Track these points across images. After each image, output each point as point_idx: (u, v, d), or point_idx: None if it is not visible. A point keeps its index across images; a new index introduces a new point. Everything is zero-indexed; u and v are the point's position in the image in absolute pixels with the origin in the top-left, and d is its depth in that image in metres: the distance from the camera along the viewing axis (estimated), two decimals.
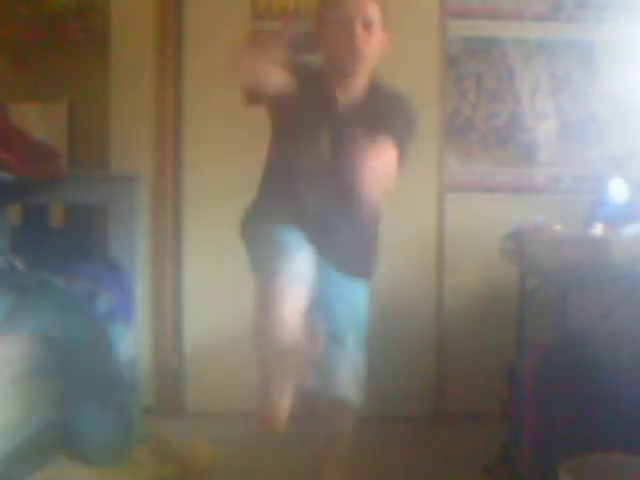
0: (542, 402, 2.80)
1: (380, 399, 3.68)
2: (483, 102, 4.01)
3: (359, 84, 2.55)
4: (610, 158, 3.90)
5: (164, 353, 4.02)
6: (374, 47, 2.48)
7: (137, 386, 3.61)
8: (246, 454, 3.36)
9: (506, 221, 3.34)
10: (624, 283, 2.98)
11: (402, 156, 2.43)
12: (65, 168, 3.77)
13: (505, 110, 4.01)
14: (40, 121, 3.99)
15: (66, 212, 4.02)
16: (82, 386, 3.14)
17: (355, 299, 2.62)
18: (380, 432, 3.44)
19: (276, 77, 2.29)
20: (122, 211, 3.88)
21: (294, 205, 2.51)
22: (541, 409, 2.80)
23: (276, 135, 2.62)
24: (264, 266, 2.45)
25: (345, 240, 2.56)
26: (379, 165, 2.25)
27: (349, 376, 2.55)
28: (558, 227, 3.15)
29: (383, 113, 2.53)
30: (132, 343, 3.78)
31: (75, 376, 3.13)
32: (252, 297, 2.47)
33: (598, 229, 3.05)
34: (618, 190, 3.36)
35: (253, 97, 2.42)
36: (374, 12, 2.48)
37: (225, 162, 3.89)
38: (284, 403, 2.37)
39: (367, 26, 2.45)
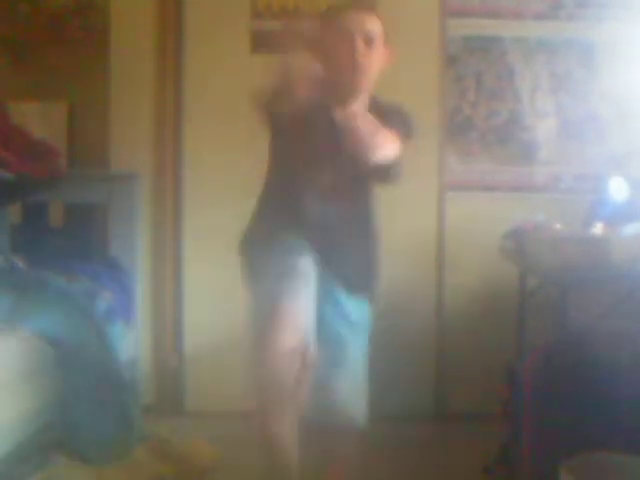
0: (542, 402, 2.80)
1: (380, 399, 3.69)
2: (483, 101, 4.01)
3: (360, 102, 2.51)
4: (610, 157, 3.90)
5: (164, 353, 4.02)
6: (375, 63, 2.46)
7: (137, 386, 3.61)
8: (246, 454, 3.36)
9: (506, 220, 3.34)
10: (624, 283, 2.98)
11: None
12: (65, 167, 3.77)
13: (505, 109, 4.01)
14: (40, 120, 3.99)
15: (66, 211, 4.02)
16: (82, 386, 3.14)
17: (357, 316, 2.61)
18: (380, 432, 3.44)
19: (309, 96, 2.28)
20: (122, 210, 3.88)
21: (298, 223, 2.50)
22: (541, 409, 2.80)
23: (276, 153, 2.58)
24: (266, 289, 2.47)
25: (349, 256, 2.55)
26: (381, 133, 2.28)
27: (351, 396, 2.55)
28: (558, 226, 3.15)
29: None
30: (132, 343, 3.78)
31: (75, 376, 3.13)
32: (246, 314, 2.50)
33: (598, 228, 3.05)
34: (618, 189, 3.36)
35: (275, 107, 2.38)
36: (375, 27, 2.45)
37: (225, 161, 3.89)
38: (286, 431, 2.39)
39: (368, 41, 2.42)
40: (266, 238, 2.52)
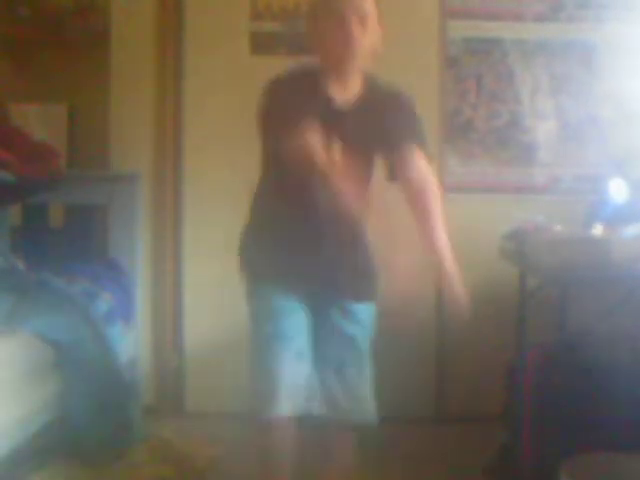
0: (542, 402, 2.81)
1: (380, 399, 3.68)
2: (483, 103, 4.01)
3: (355, 82, 2.51)
4: (610, 158, 3.89)
5: (164, 353, 4.02)
6: (369, 41, 2.44)
7: (137, 386, 3.60)
8: (246, 454, 3.36)
9: (506, 221, 3.33)
10: (624, 283, 2.98)
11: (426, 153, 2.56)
12: (64, 168, 3.78)
13: (505, 111, 4.01)
14: (40, 121, 4.00)
15: (66, 212, 4.02)
16: (82, 386, 3.14)
17: (363, 316, 2.61)
18: (380, 432, 3.44)
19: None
20: (122, 211, 3.88)
21: (290, 229, 2.50)
22: (541, 409, 2.80)
23: (270, 154, 2.56)
24: (258, 323, 2.55)
25: (346, 267, 2.55)
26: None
27: (354, 405, 2.55)
28: (558, 227, 3.15)
29: (383, 112, 2.52)
30: (132, 343, 3.78)
31: (75, 376, 3.14)
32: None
33: (598, 229, 3.04)
34: (618, 190, 3.36)
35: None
36: (369, 6, 2.44)
37: (225, 162, 3.89)
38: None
39: (362, 20, 2.41)
40: (259, 264, 2.55)
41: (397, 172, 2.59)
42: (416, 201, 2.60)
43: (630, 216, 3.12)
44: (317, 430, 2.58)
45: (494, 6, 3.99)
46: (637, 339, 2.87)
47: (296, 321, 2.52)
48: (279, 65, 2.57)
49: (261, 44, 3.94)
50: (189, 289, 4.01)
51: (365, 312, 2.61)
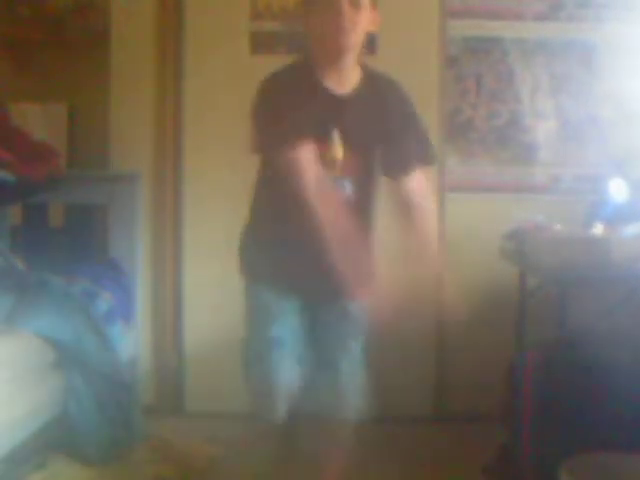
0: (542, 402, 2.80)
1: (380, 399, 3.68)
2: (483, 102, 4.01)
3: (354, 73, 2.51)
4: (610, 158, 3.89)
5: (164, 353, 4.02)
6: (362, 25, 2.43)
7: (137, 386, 3.60)
8: (246, 454, 3.36)
9: (506, 221, 3.34)
10: (624, 283, 2.99)
11: (429, 149, 2.62)
12: (64, 168, 3.78)
13: (505, 110, 4.01)
14: (41, 121, 4.00)
15: (66, 212, 4.02)
16: (82, 386, 3.14)
17: (349, 324, 2.61)
18: (380, 432, 3.44)
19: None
20: (122, 211, 3.88)
21: (287, 228, 2.49)
22: (541, 409, 2.80)
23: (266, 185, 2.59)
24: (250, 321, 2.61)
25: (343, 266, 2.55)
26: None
27: (346, 398, 2.55)
28: (558, 227, 3.16)
29: (383, 103, 2.52)
30: (132, 343, 3.78)
31: (75, 376, 3.14)
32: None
33: (598, 229, 3.05)
34: (618, 190, 3.36)
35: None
36: None
37: (225, 162, 3.89)
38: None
39: (354, 5, 2.40)
40: (258, 265, 2.57)
41: (394, 175, 2.58)
42: (406, 213, 2.60)
43: (630, 216, 3.12)
44: (312, 427, 2.58)
45: (494, 5, 3.99)
46: (637, 339, 2.87)
47: (292, 324, 2.53)
48: (279, 65, 2.57)
49: (261, 44, 3.94)
50: (189, 289, 4.01)
51: (360, 310, 2.61)
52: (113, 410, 3.21)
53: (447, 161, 4.00)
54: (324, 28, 2.42)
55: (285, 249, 2.50)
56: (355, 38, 2.43)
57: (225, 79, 3.92)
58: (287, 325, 2.53)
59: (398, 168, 2.58)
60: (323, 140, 2.45)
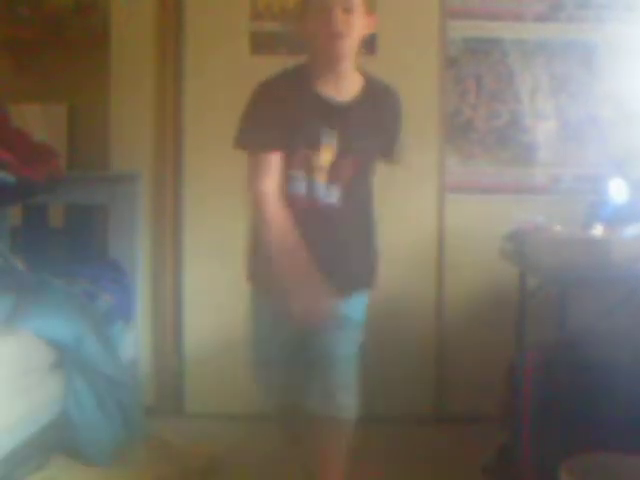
0: (542, 402, 2.80)
1: (380, 399, 3.69)
2: (483, 103, 4.01)
3: (352, 80, 2.52)
4: (610, 158, 3.89)
5: (164, 353, 4.02)
6: (356, 31, 2.44)
7: (137, 386, 3.60)
8: (246, 454, 3.36)
9: (506, 221, 3.33)
10: (624, 283, 2.98)
11: (399, 149, 2.62)
12: (64, 168, 3.78)
13: (505, 111, 4.01)
14: (40, 122, 4.00)
15: (66, 212, 4.02)
16: (82, 386, 3.14)
17: (351, 310, 2.60)
18: (380, 432, 3.44)
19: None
20: (122, 211, 3.88)
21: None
22: (541, 409, 2.80)
23: None
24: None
25: (343, 260, 2.56)
26: None
27: (340, 394, 2.55)
28: (558, 227, 3.15)
29: (379, 114, 2.55)
30: (132, 343, 3.78)
31: (75, 376, 3.14)
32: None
33: (598, 229, 3.05)
34: (618, 190, 3.36)
35: None
36: None
37: (225, 161, 3.88)
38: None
39: (347, 11, 2.40)
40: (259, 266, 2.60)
41: None
42: None
43: (630, 216, 3.12)
44: (307, 423, 2.59)
45: (494, 6, 3.99)
46: (637, 339, 2.87)
47: (290, 329, 2.54)
48: (279, 65, 2.58)
49: (261, 44, 3.94)
50: (189, 289, 4.01)
51: (358, 304, 2.61)
52: (113, 410, 3.21)
53: (447, 161, 4.00)
54: (317, 35, 2.44)
55: None
56: (349, 44, 2.44)
57: (225, 79, 3.92)
58: (285, 330, 2.54)
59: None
60: (311, 146, 2.47)
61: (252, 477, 3.20)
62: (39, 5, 3.97)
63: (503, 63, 4.00)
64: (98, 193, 3.87)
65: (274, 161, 2.46)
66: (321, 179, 2.50)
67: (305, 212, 2.49)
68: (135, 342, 3.84)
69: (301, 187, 2.50)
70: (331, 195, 2.51)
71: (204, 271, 3.95)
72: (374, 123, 2.53)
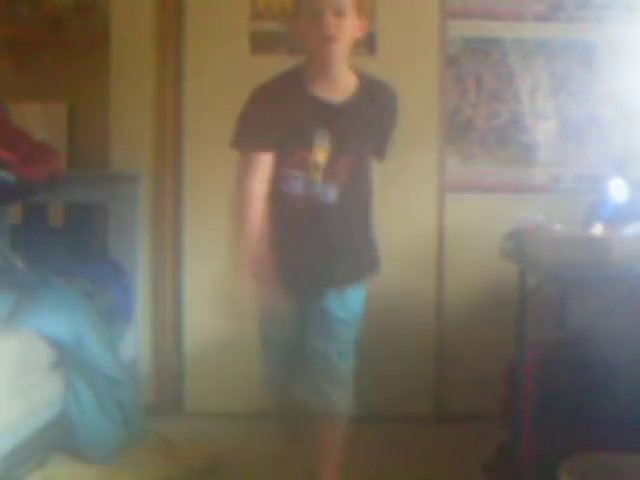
0: (542, 400, 2.81)
1: (380, 399, 3.69)
2: (483, 102, 4.01)
3: (347, 80, 2.55)
4: (610, 158, 3.89)
5: (164, 353, 4.02)
6: (348, 34, 2.47)
7: (137, 386, 3.60)
8: (246, 454, 3.36)
9: (506, 221, 3.33)
10: (624, 283, 2.99)
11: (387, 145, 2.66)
12: (64, 168, 3.78)
13: (505, 110, 4.01)
14: (40, 121, 4.00)
15: (66, 212, 4.02)
16: (82, 386, 3.14)
17: (344, 312, 2.61)
18: (380, 430, 3.44)
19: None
20: (122, 211, 3.88)
21: (282, 220, 2.57)
22: (541, 407, 2.80)
23: None
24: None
25: (339, 254, 2.58)
26: None
27: (335, 389, 2.55)
28: (558, 227, 3.15)
29: (376, 113, 2.57)
30: (132, 343, 3.78)
31: (75, 376, 3.14)
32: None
33: (598, 229, 3.04)
34: (618, 190, 3.36)
35: None
36: (346, 1, 2.46)
37: (225, 161, 3.87)
38: None
39: (338, 14, 2.44)
40: None
41: None
42: None
43: (630, 216, 3.12)
44: (305, 418, 2.59)
45: (494, 6, 3.99)
46: (637, 338, 2.87)
47: (292, 324, 2.57)
48: (279, 65, 2.59)
49: (261, 44, 3.94)
50: (189, 289, 4.01)
51: (355, 297, 2.62)
52: (113, 410, 3.21)
53: (447, 161, 4.00)
54: (310, 38, 2.47)
55: (281, 245, 2.54)
56: (341, 47, 2.48)
57: (225, 79, 3.92)
58: (288, 325, 2.56)
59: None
60: (306, 146, 2.50)
61: (252, 476, 3.20)
62: (39, 5, 3.97)
63: (503, 63, 4.00)
64: (98, 192, 3.88)
65: (264, 161, 2.52)
66: (317, 178, 2.53)
67: (303, 211, 2.54)
68: (135, 342, 3.85)
69: (298, 186, 2.54)
70: (328, 194, 2.54)
71: (204, 271, 3.94)
72: (369, 122, 2.56)
